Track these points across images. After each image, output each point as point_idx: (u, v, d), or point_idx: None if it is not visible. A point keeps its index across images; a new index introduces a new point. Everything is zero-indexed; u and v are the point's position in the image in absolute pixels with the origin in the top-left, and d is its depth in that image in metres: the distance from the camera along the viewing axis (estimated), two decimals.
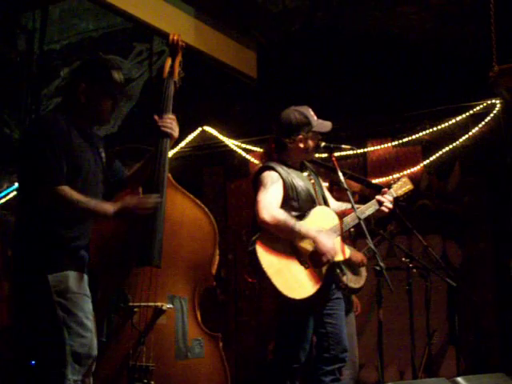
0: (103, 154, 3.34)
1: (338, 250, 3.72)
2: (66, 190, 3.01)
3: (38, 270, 3.01)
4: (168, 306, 3.21)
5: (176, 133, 3.44)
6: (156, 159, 3.34)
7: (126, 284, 3.23)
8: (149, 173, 3.36)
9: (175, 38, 3.61)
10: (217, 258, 3.41)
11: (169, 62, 3.57)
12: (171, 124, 3.41)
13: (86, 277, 3.12)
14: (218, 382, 3.29)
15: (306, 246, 3.67)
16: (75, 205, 3.01)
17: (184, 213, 3.40)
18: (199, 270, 3.36)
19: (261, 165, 3.95)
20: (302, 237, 3.67)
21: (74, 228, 3.10)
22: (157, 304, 3.20)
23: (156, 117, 3.44)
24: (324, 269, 3.69)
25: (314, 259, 3.67)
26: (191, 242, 3.36)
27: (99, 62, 3.35)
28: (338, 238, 3.79)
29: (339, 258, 3.78)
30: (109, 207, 3.07)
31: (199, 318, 3.31)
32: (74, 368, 2.94)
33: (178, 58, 3.59)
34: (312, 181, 3.95)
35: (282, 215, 3.64)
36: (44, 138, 3.07)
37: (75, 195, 3.02)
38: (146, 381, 3.09)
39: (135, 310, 3.18)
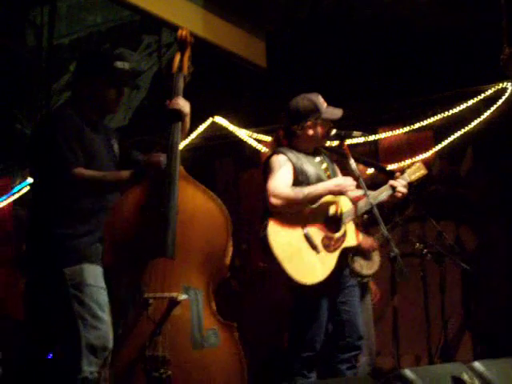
0: (116, 146, 3.36)
1: (348, 181, 3.78)
2: (82, 171, 3.06)
3: (53, 264, 3.02)
4: (183, 297, 3.22)
5: (186, 109, 3.32)
6: (167, 149, 3.30)
7: (141, 276, 3.24)
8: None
9: (184, 32, 3.56)
10: (230, 248, 3.42)
11: (178, 56, 3.53)
12: (183, 103, 3.31)
13: (101, 269, 3.14)
14: (234, 371, 3.30)
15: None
16: (94, 182, 3.09)
17: (196, 204, 3.38)
18: (213, 261, 3.35)
19: (270, 152, 3.96)
20: (316, 196, 3.71)
21: (88, 221, 3.12)
22: (172, 295, 3.20)
23: (168, 102, 3.37)
24: (336, 254, 3.69)
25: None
26: (204, 234, 3.35)
27: (99, 54, 3.37)
28: (351, 222, 3.80)
29: (353, 243, 3.79)
30: (124, 173, 3.14)
31: (214, 308, 3.33)
32: (89, 360, 2.97)
33: (187, 53, 3.54)
34: (324, 166, 3.94)
35: (289, 191, 3.67)
36: (57, 129, 3.10)
37: (90, 173, 3.08)
38: (162, 371, 3.11)
39: (150, 301, 3.20)
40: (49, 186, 3.12)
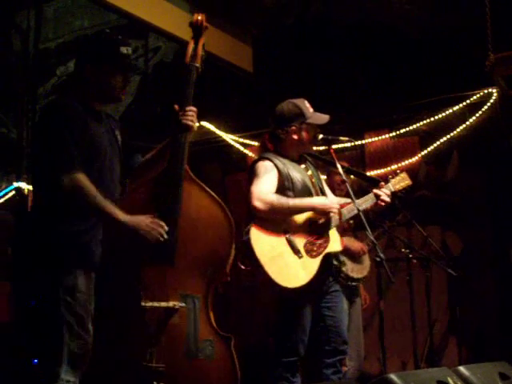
0: (119, 137, 3.22)
1: (336, 203, 3.78)
2: (83, 178, 2.88)
3: (47, 265, 2.88)
4: (180, 305, 3.08)
5: (196, 126, 3.30)
6: (175, 152, 3.22)
7: (138, 282, 3.11)
8: (166, 167, 3.25)
9: (199, 18, 3.37)
10: (233, 254, 3.31)
11: (191, 45, 3.35)
12: (193, 117, 3.27)
13: (93, 275, 2.99)
14: (228, 383, 3.21)
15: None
16: (90, 198, 2.88)
17: (201, 208, 3.24)
18: (215, 266, 3.24)
19: (257, 157, 3.96)
20: (299, 210, 3.70)
21: (86, 221, 2.96)
22: (169, 303, 3.07)
23: (176, 107, 3.28)
24: (318, 260, 3.70)
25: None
26: (208, 239, 3.20)
27: (103, 38, 3.24)
28: (335, 229, 3.81)
29: (335, 248, 3.80)
30: (120, 214, 2.93)
31: (212, 318, 3.16)
32: (68, 368, 2.84)
33: (202, 41, 3.37)
34: (309, 173, 3.95)
35: (274, 198, 3.66)
36: (59, 122, 2.95)
37: (92, 188, 2.89)
38: (155, 383, 3.00)
39: (147, 308, 3.07)
40: (49, 182, 2.94)
